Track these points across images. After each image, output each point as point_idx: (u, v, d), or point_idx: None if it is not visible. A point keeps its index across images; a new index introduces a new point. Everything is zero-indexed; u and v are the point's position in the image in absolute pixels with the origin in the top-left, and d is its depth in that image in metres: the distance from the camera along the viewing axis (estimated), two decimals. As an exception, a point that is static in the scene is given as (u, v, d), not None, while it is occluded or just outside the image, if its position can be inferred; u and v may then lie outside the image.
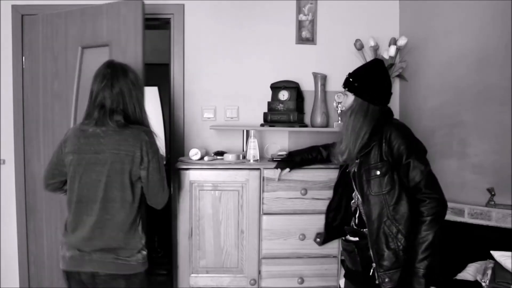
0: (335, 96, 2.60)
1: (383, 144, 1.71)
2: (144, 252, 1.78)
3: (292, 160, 2.18)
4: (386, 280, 1.67)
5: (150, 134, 1.76)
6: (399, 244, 1.68)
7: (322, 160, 2.21)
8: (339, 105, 2.60)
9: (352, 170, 1.81)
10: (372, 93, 1.77)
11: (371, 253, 1.71)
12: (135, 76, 1.81)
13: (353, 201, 1.85)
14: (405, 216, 1.69)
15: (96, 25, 2.41)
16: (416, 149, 1.69)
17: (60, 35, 2.49)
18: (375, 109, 1.77)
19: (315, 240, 2.19)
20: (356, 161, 1.77)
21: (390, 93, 1.84)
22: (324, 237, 2.07)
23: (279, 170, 2.18)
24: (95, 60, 2.21)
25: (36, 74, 2.60)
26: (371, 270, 1.73)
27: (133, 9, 2.32)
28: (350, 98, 1.82)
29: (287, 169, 2.18)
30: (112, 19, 2.37)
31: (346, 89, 1.84)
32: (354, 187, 1.82)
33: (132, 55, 2.32)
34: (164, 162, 1.86)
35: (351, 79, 1.81)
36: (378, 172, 1.71)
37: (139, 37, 2.32)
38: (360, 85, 1.78)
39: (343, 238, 1.93)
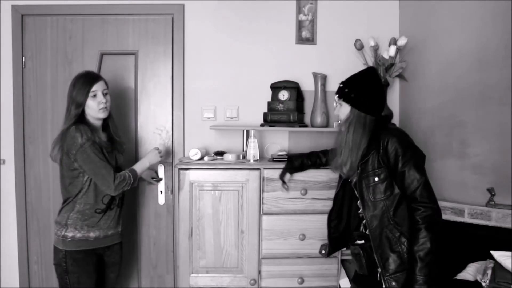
0: (335, 96, 2.59)
1: (380, 151, 1.71)
2: (69, 233, 2.01)
3: (291, 166, 2.19)
4: (393, 284, 1.67)
5: None
6: (402, 246, 1.68)
7: (320, 165, 2.22)
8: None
9: (354, 180, 1.81)
10: (369, 104, 1.77)
11: (376, 258, 1.71)
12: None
13: (360, 210, 1.84)
14: (406, 219, 1.69)
15: (120, 35, 2.67)
16: (412, 157, 1.68)
17: (75, 40, 2.67)
18: (372, 119, 1.77)
19: (320, 252, 2.18)
20: (357, 171, 1.77)
21: (385, 101, 1.84)
22: (329, 249, 2.05)
23: (280, 182, 2.20)
24: (116, 66, 2.68)
25: (43, 76, 2.66)
26: (378, 276, 1.73)
27: (163, 24, 2.66)
28: (345, 107, 1.80)
29: (288, 175, 2.19)
30: (139, 31, 2.67)
31: (342, 99, 1.81)
32: (357, 195, 1.81)
33: (161, 65, 2.69)
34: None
35: (346, 90, 1.79)
36: (377, 179, 1.71)
37: (169, 50, 2.68)
38: (356, 96, 1.77)
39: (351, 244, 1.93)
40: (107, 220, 2.09)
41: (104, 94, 2.08)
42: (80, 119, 2.02)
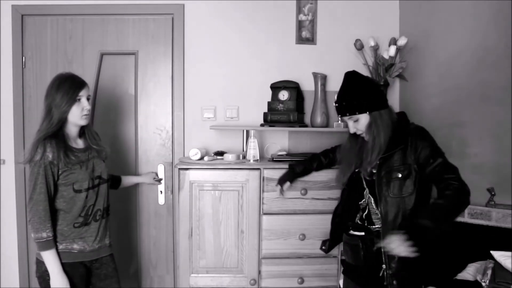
0: (335, 96, 2.59)
1: (409, 148, 1.69)
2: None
3: (293, 172, 2.16)
4: (394, 282, 1.67)
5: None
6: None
7: (323, 168, 2.19)
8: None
9: (369, 170, 1.77)
10: (379, 100, 1.75)
11: (383, 254, 1.70)
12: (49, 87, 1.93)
13: (363, 200, 1.82)
14: None
15: (120, 35, 2.67)
16: (439, 151, 1.72)
17: (75, 40, 2.67)
18: (386, 111, 1.76)
19: (321, 248, 2.12)
20: (377, 162, 1.74)
21: (382, 90, 1.84)
22: (329, 244, 2.03)
23: (278, 186, 2.16)
24: (116, 66, 2.69)
25: (43, 76, 2.65)
26: (381, 271, 1.72)
27: (163, 24, 2.66)
28: (363, 118, 1.75)
29: (288, 183, 2.16)
30: (139, 31, 2.68)
31: (348, 114, 1.76)
32: (366, 186, 1.80)
33: (161, 65, 2.69)
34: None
35: (355, 102, 1.74)
36: (400, 175, 1.69)
37: (169, 50, 2.68)
38: (368, 101, 1.73)
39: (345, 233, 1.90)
40: (92, 233, 1.94)
41: (88, 101, 1.95)
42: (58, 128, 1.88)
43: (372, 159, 1.74)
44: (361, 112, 1.74)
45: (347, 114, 1.77)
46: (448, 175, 1.68)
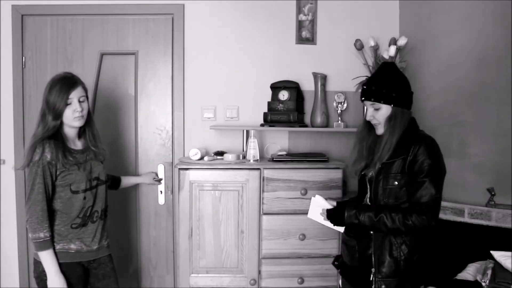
0: (335, 96, 2.60)
1: (409, 157, 1.64)
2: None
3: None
4: (383, 287, 1.67)
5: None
6: (401, 254, 1.66)
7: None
8: (339, 105, 2.60)
9: (370, 174, 1.75)
10: (406, 99, 1.71)
11: (373, 258, 1.70)
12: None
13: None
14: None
15: (120, 35, 2.68)
16: (437, 172, 1.64)
17: (75, 40, 2.67)
18: (408, 113, 1.72)
19: (333, 263, 2.02)
20: (378, 166, 1.72)
21: (412, 93, 1.78)
22: (342, 260, 1.95)
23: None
24: (116, 66, 2.69)
25: (43, 76, 2.63)
26: (371, 275, 1.71)
27: (163, 24, 2.68)
28: (385, 109, 1.70)
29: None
30: (139, 31, 2.68)
31: (373, 99, 1.70)
32: (368, 191, 1.78)
33: (161, 65, 2.70)
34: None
35: (384, 91, 1.68)
36: (396, 183, 1.66)
37: (169, 50, 2.68)
38: (397, 93, 1.68)
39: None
40: (90, 234, 1.93)
41: (81, 102, 1.89)
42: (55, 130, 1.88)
43: (383, 154, 1.70)
44: (386, 102, 1.69)
45: (372, 99, 1.72)
46: (422, 198, 1.60)
